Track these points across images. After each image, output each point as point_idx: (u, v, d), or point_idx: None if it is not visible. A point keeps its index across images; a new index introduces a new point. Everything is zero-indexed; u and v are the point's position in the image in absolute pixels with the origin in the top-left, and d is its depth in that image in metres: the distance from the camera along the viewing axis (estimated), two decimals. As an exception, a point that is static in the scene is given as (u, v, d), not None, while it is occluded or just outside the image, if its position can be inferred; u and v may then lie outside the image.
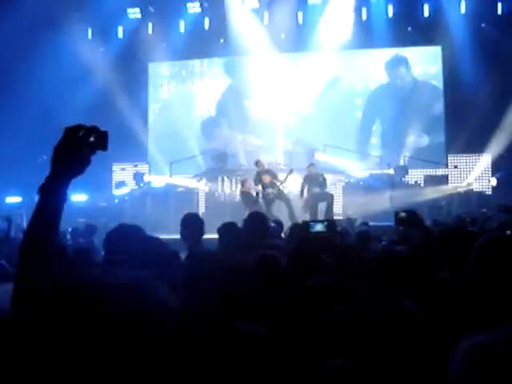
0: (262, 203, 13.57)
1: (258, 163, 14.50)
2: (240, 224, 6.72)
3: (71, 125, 1.85)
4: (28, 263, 1.78)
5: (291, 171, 14.30)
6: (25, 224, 14.56)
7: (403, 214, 5.32)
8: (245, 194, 14.16)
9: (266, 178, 13.94)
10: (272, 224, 6.92)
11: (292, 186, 14.99)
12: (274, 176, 14.16)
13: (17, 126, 15.66)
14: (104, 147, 1.88)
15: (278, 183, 13.97)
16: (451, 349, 1.72)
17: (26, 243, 1.82)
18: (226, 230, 5.43)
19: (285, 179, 14.12)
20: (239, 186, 14.86)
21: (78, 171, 1.87)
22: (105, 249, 3.30)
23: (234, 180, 16.01)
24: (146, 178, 16.96)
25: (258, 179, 14.04)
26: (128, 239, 3.02)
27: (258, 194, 13.89)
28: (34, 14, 15.60)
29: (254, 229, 5.33)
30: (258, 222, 5.51)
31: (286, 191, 14.39)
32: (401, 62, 17.99)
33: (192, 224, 5.02)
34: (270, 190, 13.81)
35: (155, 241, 3.06)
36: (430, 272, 3.68)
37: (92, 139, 1.86)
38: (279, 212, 12.94)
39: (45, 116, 16.80)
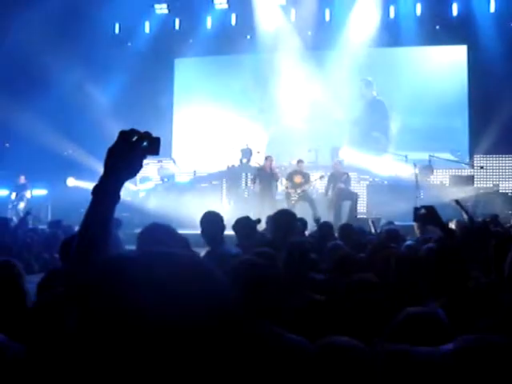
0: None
1: (299, 162, 14.59)
2: (264, 220, 6.73)
3: (125, 129, 1.87)
4: (83, 262, 1.80)
5: (322, 177, 14.58)
6: (50, 216, 14.73)
7: (422, 210, 5.29)
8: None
9: (297, 179, 14.03)
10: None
11: (317, 184, 15.23)
12: (307, 180, 14.31)
13: (43, 120, 15.78)
14: (156, 152, 1.92)
15: (307, 187, 14.14)
16: None
17: (79, 243, 1.85)
18: (240, 225, 5.46)
19: (312, 184, 14.44)
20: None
21: (130, 175, 1.90)
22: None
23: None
24: (170, 173, 17.00)
25: (290, 177, 14.25)
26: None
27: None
28: (61, 9, 15.74)
29: (282, 226, 5.31)
30: (287, 219, 5.49)
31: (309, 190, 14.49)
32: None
33: (211, 222, 5.02)
34: (292, 191, 13.99)
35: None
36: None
37: (145, 144, 1.89)
38: (302, 211, 12.89)
39: (71, 111, 16.96)
